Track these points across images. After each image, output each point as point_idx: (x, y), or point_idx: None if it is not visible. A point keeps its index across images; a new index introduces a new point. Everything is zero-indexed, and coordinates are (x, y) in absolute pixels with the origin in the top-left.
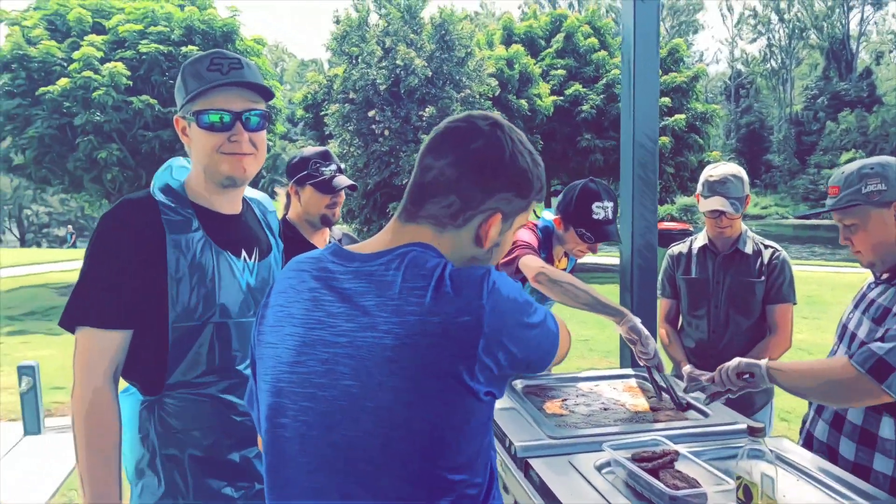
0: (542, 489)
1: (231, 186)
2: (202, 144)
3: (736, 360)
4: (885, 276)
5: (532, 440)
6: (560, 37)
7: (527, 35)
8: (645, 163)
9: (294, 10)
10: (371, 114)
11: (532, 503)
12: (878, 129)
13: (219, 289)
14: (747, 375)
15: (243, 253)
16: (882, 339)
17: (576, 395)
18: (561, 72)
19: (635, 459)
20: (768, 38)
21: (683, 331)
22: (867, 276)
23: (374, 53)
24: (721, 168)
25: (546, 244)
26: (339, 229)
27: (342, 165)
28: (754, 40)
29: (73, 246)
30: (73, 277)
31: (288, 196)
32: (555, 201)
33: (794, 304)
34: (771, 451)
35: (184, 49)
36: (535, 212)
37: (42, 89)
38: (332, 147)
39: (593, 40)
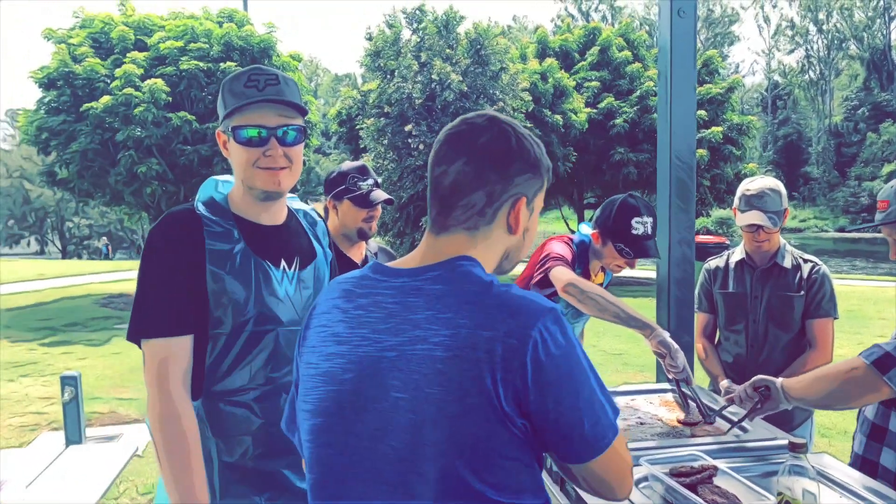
0: (579, 503)
1: (268, 200)
2: (239, 159)
3: (753, 379)
4: None
5: None
6: (595, 50)
7: (561, 48)
8: (682, 176)
9: (328, 26)
10: (408, 128)
11: None
12: None
13: (256, 298)
14: (763, 388)
15: (283, 263)
16: None
17: None
18: (595, 83)
19: (673, 474)
20: (806, 49)
21: (721, 345)
22: None
23: (411, 68)
24: (758, 182)
25: (582, 258)
26: (375, 243)
27: (378, 179)
28: (792, 51)
29: (108, 257)
30: (113, 289)
31: (325, 210)
32: (588, 214)
33: (836, 318)
34: (812, 467)
35: (222, 65)
36: (568, 225)
37: (86, 105)
38: (367, 161)
39: (627, 53)
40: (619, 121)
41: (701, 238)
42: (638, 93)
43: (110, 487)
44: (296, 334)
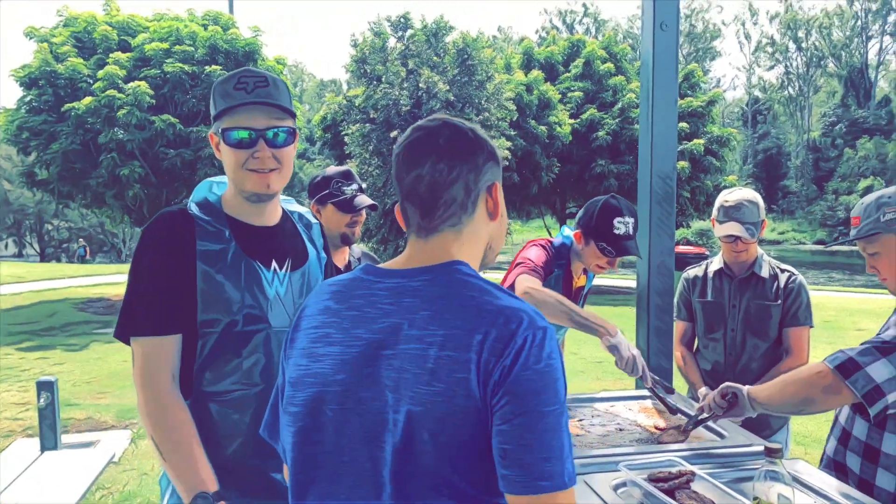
0: None
1: (258, 202)
2: (230, 161)
3: (723, 385)
4: None
5: None
6: (579, 62)
7: (546, 60)
8: (662, 187)
9: (314, 32)
10: (393, 134)
11: None
12: None
13: (245, 297)
14: (730, 396)
15: (274, 263)
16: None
17: (591, 415)
18: (578, 93)
19: (651, 480)
20: (786, 66)
21: (699, 353)
22: (890, 302)
23: (398, 74)
24: (736, 193)
25: (563, 261)
26: (359, 248)
27: (363, 185)
28: (772, 67)
29: (85, 260)
30: (92, 293)
31: None
32: (571, 223)
33: (811, 327)
34: (788, 472)
35: (207, 68)
36: (550, 234)
37: (67, 105)
38: (351, 166)
39: (610, 65)
40: (601, 133)
41: (681, 249)
42: (620, 105)
43: (85, 495)
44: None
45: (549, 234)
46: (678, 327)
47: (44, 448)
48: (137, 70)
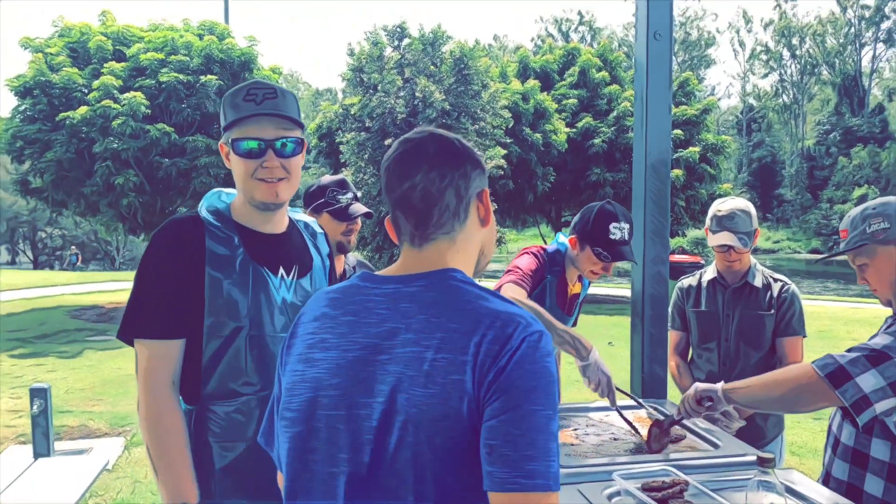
0: None
1: (267, 210)
2: (239, 170)
3: (693, 387)
4: None
5: None
6: (574, 70)
7: (542, 69)
8: (657, 196)
9: (310, 41)
10: (388, 143)
11: None
12: (890, 164)
13: (253, 303)
14: (707, 402)
15: (281, 270)
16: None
17: (586, 424)
18: (573, 101)
19: (645, 489)
20: (780, 74)
21: (694, 362)
22: (883, 312)
23: (395, 83)
24: (729, 203)
25: (557, 267)
26: (354, 256)
27: (358, 193)
28: (766, 75)
29: (77, 267)
30: (85, 300)
31: None
32: (566, 231)
33: (804, 336)
34: (781, 483)
35: (202, 78)
36: (545, 242)
37: (62, 115)
38: (347, 175)
39: (605, 73)
40: (597, 141)
41: (676, 258)
42: (615, 113)
43: (79, 502)
44: None
45: (545, 242)
46: (672, 337)
47: (37, 455)
48: (132, 80)
